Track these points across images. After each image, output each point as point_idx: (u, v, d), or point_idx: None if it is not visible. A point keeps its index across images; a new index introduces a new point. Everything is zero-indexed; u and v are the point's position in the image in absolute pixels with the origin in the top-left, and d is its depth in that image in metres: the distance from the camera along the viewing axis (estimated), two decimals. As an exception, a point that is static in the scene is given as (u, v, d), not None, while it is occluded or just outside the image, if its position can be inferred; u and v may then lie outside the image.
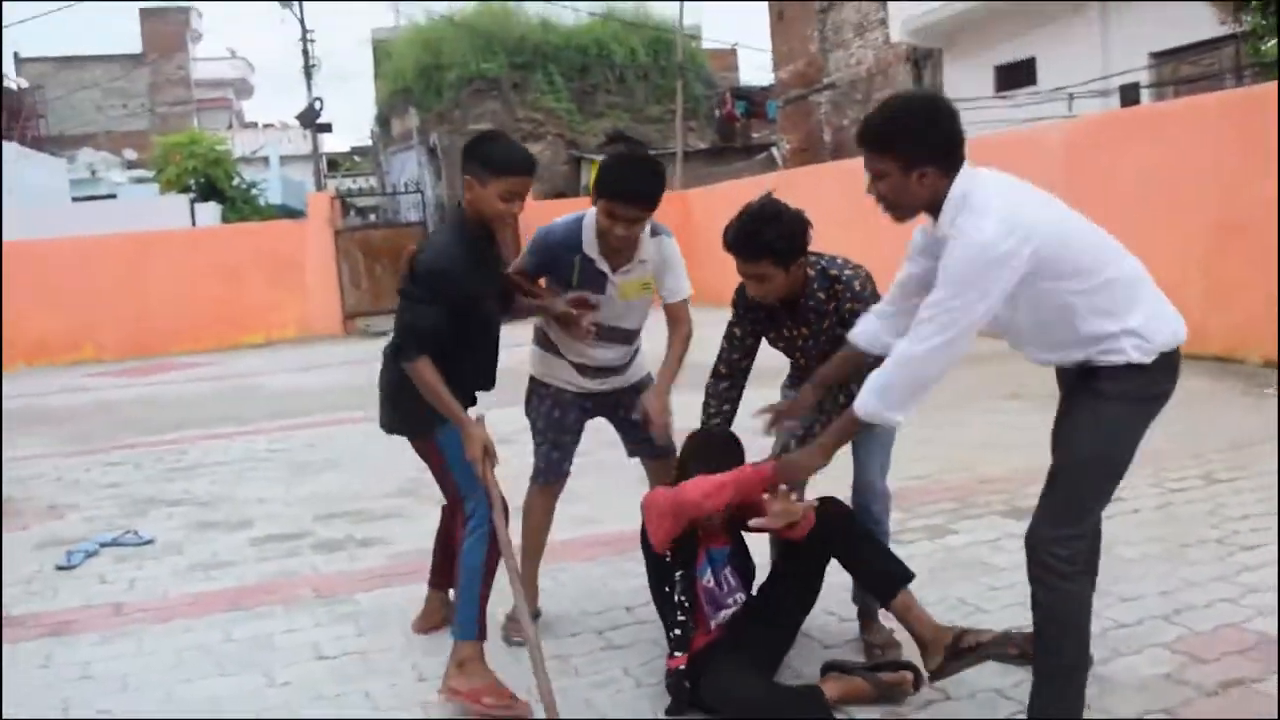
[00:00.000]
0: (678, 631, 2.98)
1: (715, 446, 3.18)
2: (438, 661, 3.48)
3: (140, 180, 29.43)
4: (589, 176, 25.08)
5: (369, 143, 36.25)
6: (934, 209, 2.56)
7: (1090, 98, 12.58)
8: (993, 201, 2.47)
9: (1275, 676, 2.95)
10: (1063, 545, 2.54)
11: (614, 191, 3.27)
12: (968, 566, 4.01)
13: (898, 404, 2.57)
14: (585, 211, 3.49)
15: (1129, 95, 12.46)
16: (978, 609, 3.60)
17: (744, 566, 3.19)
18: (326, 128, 25.86)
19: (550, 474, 3.77)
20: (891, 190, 2.58)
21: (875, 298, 3.17)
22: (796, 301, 3.19)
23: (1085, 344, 2.56)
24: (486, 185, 3.12)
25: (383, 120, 30.50)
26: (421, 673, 3.44)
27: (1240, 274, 7.99)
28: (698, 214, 17.00)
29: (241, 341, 16.64)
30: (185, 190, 25.76)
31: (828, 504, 3.15)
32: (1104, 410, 2.57)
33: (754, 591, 3.20)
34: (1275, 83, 7.98)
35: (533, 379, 3.73)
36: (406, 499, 5.82)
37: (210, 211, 24.14)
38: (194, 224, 22.22)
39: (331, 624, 3.96)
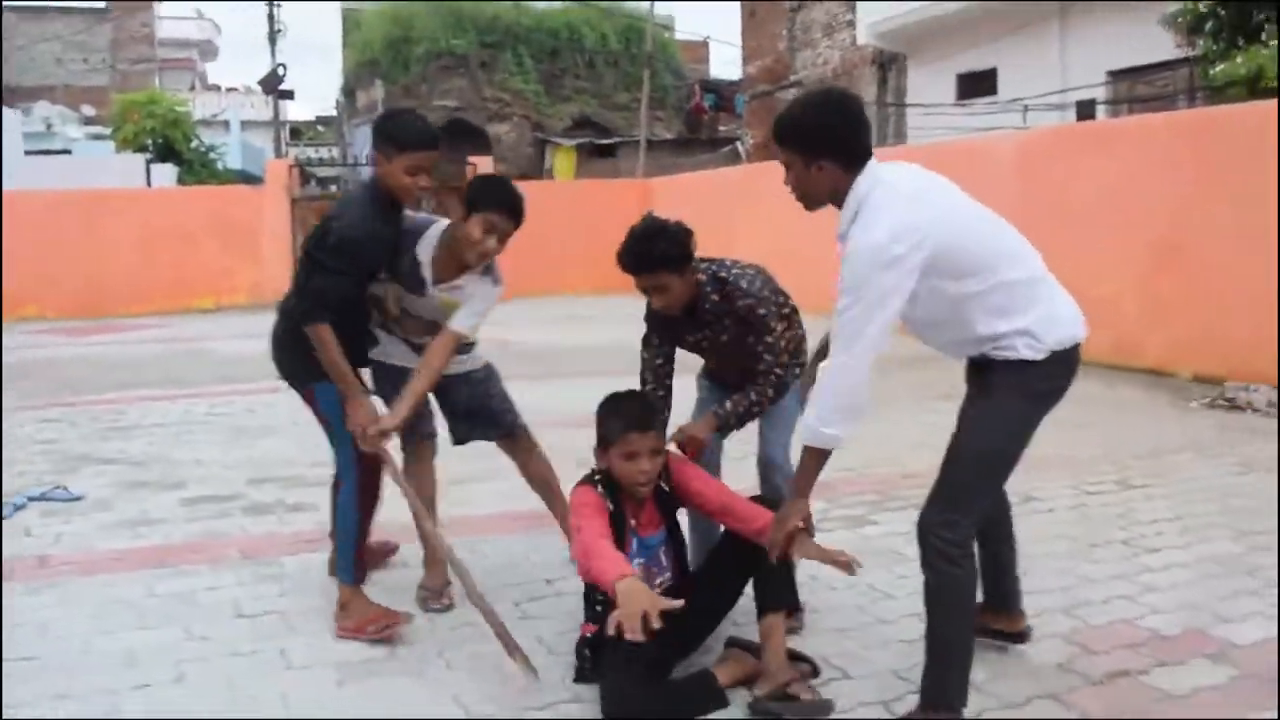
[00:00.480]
0: (599, 608, 3.04)
1: (633, 402, 3.20)
2: (356, 623, 3.55)
3: (97, 137, 28.96)
4: (553, 160, 25.10)
5: (333, 113, 35.97)
6: (839, 202, 2.70)
7: (1047, 110, 12.80)
8: (887, 205, 2.58)
9: (1162, 668, 3.08)
10: (950, 530, 2.65)
11: (497, 202, 3.39)
12: (881, 555, 4.12)
13: (832, 421, 2.68)
14: (443, 222, 3.57)
15: (1085, 110, 12.70)
16: (886, 595, 3.71)
17: (678, 551, 3.24)
18: (289, 94, 25.63)
19: (408, 439, 3.94)
20: (796, 181, 2.74)
21: (774, 292, 3.44)
22: (695, 307, 3.37)
23: (980, 342, 2.69)
24: (392, 160, 3.27)
25: (348, 91, 30.28)
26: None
27: (1177, 292, 8.20)
28: (659, 203, 17.08)
29: (191, 305, 16.49)
30: (142, 150, 25.39)
31: (766, 504, 3.18)
32: (995, 404, 2.70)
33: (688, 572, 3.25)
34: (1223, 107, 8.20)
35: (374, 361, 3.79)
36: (342, 467, 5.85)
37: (166, 173, 23.83)
38: (149, 184, 21.94)
39: (255, 584, 4.00)
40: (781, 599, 3.06)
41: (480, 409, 4.05)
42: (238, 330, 13.61)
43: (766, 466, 3.56)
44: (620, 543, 3.03)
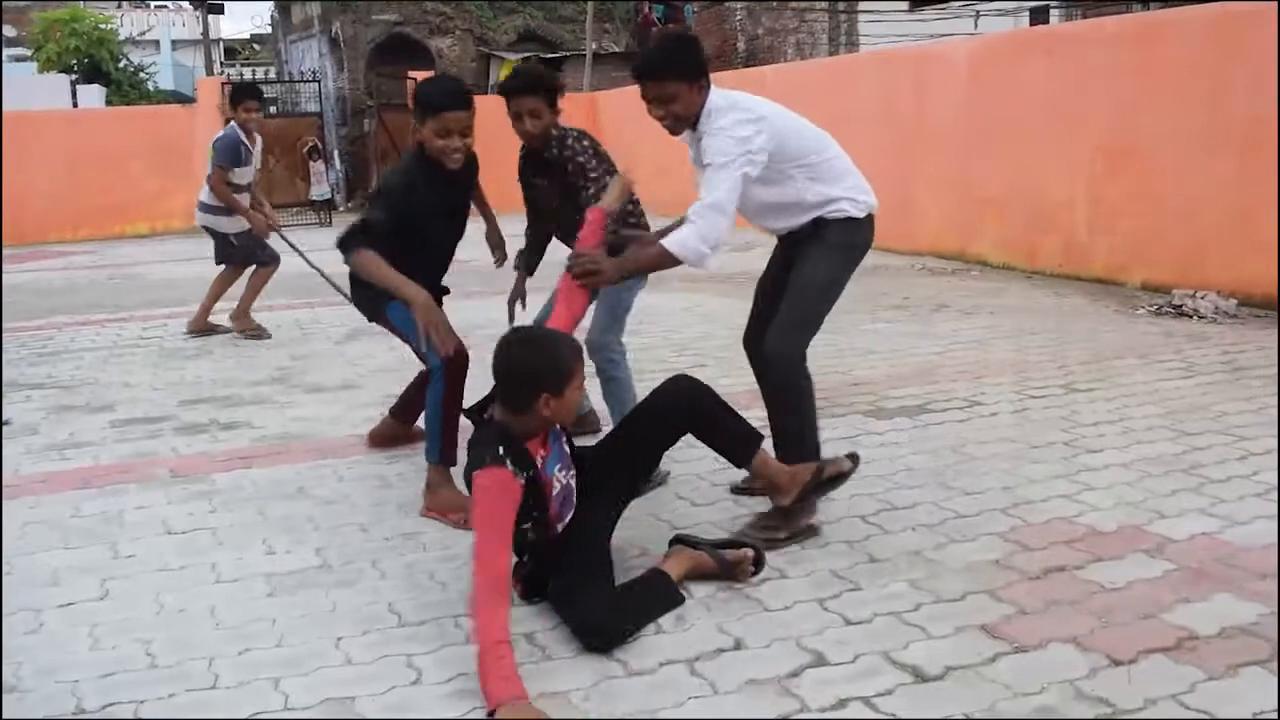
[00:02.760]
0: (525, 554, 2.97)
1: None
2: (289, 539, 3.54)
3: (18, 59, 28.03)
4: (498, 75, 24.63)
5: (268, 30, 34.97)
6: (695, 119, 3.37)
7: (1000, 17, 12.73)
8: (733, 105, 3.35)
9: (1098, 563, 3.14)
10: (798, 350, 3.43)
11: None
12: (823, 460, 4.14)
13: (707, 243, 3.29)
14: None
15: (1039, 16, 12.64)
16: (827, 498, 3.72)
17: (567, 454, 3.07)
18: (218, 8, 24.88)
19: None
20: (684, 106, 3.34)
21: (600, 158, 4.14)
22: (543, 151, 4.12)
23: (817, 207, 3.46)
24: (425, 125, 3.66)
25: (283, 7, 29.41)
26: (271, 546, 3.47)
27: (1127, 199, 8.25)
28: (605, 116, 16.87)
29: (124, 231, 16.13)
30: (67, 70, 24.63)
31: (679, 381, 3.19)
32: (830, 249, 3.48)
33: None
34: (1172, 10, 8.18)
35: None
36: (276, 386, 5.80)
37: (94, 94, 23.14)
38: (75, 106, 21.30)
39: (184, 501, 3.95)
40: (751, 437, 3.21)
41: None
42: (172, 254, 13.35)
43: (588, 341, 4.02)
44: (540, 502, 2.85)
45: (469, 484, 2.74)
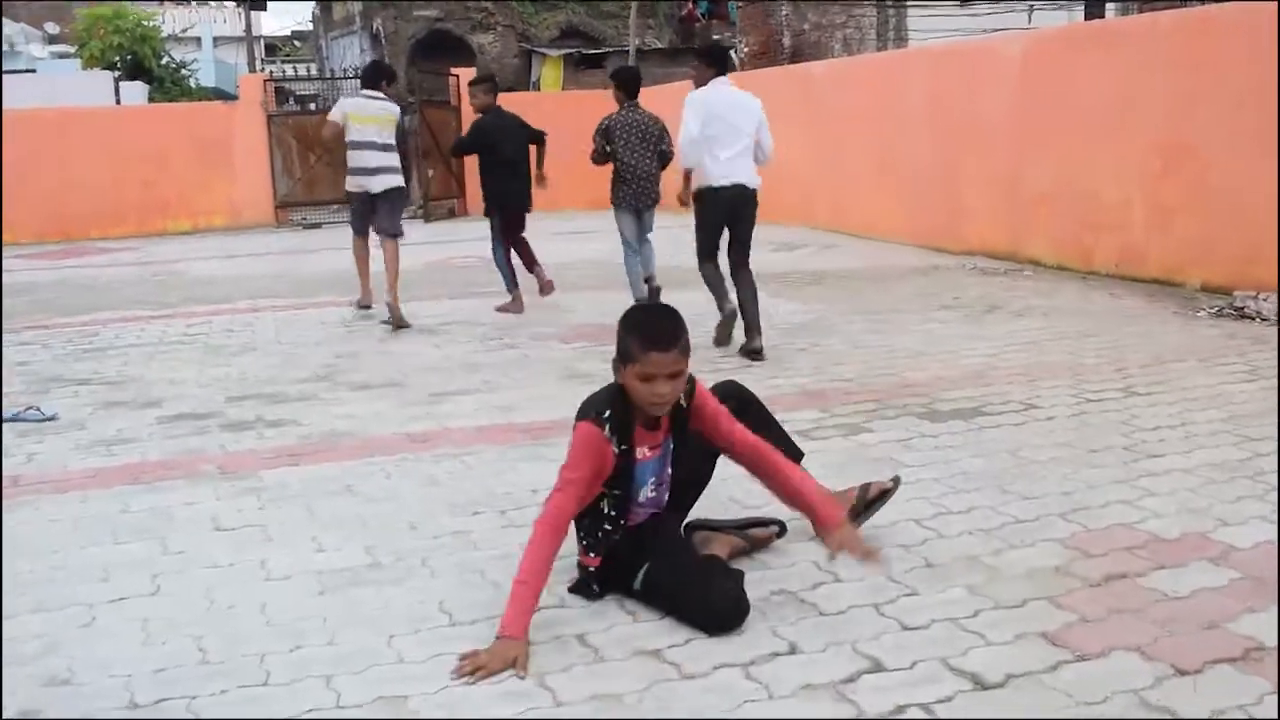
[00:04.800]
0: (600, 536, 3.03)
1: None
2: (338, 535, 3.58)
3: (62, 56, 28.53)
4: (539, 71, 24.72)
5: (309, 28, 35.31)
6: None
7: (1054, 10, 12.60)
8: (693, 99, 6.31)
9: (1161, 571, 3.11)
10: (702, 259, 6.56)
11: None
12: (876, 462, 4.13)
13: (688, 161, 6.29)
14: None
15: (1094, 10, 12.51)
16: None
17: (667, 476, 3.18)
18: (261, 5, 25.15)
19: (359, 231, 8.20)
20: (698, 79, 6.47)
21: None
22: None
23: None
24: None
25: (324, 4, 29.71)
26: (320, 544, 3.51)
27: (1186, 198, 8.14)
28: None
29: (166, 228, 16.38)
30: (110, 67, 25.01)
31: (731, 387, 3.28)
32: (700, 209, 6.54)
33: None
34: (1231, 4, 8.06)
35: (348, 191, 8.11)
36: (321, 384, 5.86)
37: (136, 91, 23.49)
38: (118, 103, 21.63)
39: (233, 498, 4.00)
40: (795, 453, 3.28)
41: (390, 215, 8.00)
42: (214, 251, 13.54)
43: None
44: (625, 481, 2.96)
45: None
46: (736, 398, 3.29)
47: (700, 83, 6.45)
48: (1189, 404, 4.87)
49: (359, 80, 8.90)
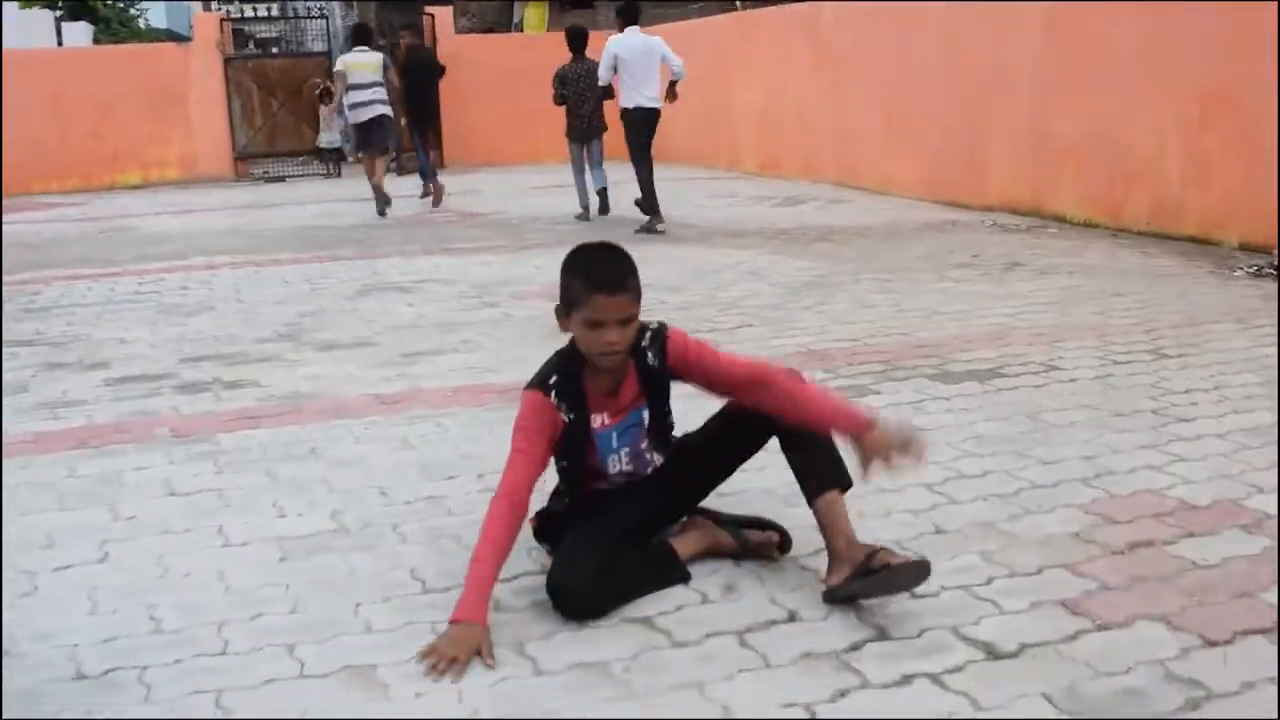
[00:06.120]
0: (553, 502, 3.04)
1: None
2: (301, 501, 3.59)
3: (-2, -8, 28.26)
4: (523, 13, 24.59)
5: (271, -37, 35.00)
6: None
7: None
8: (611, 42, 10.00)
9: (1190, 539, 3.14)
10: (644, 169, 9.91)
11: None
12: (885, 425, 4.15)
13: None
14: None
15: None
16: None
17: (661, 425, 3.09)
18: (219, -61, 24.94)
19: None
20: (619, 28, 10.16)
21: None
22: None
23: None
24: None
25: (287, -64, 29.46)
26: (282, 509, 3.53)
27: (1222, 149, 8.14)
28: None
29: (114, 182, 16.32)
30: (51, 6, 24.81)
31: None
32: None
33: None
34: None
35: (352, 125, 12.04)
36: (285, 344, 5.87)
37: (80, 32, 23.34)
38: (60, 45, 21.47)
39: (187, 462, 4.02)
40: (838, 474, 2.88)
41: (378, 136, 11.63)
42: (167, 206, 13.50)
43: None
44: (581, 452, 2.94)
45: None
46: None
47: (619, 30, 10.23)
48: (1223, 367, 4.89)
49: (350, 41, 13.07)
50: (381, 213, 11.68)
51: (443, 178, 13.25)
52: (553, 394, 2.85)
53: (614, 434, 2.97)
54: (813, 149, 13.69)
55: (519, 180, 15.20)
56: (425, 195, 12.72)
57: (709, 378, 2.99)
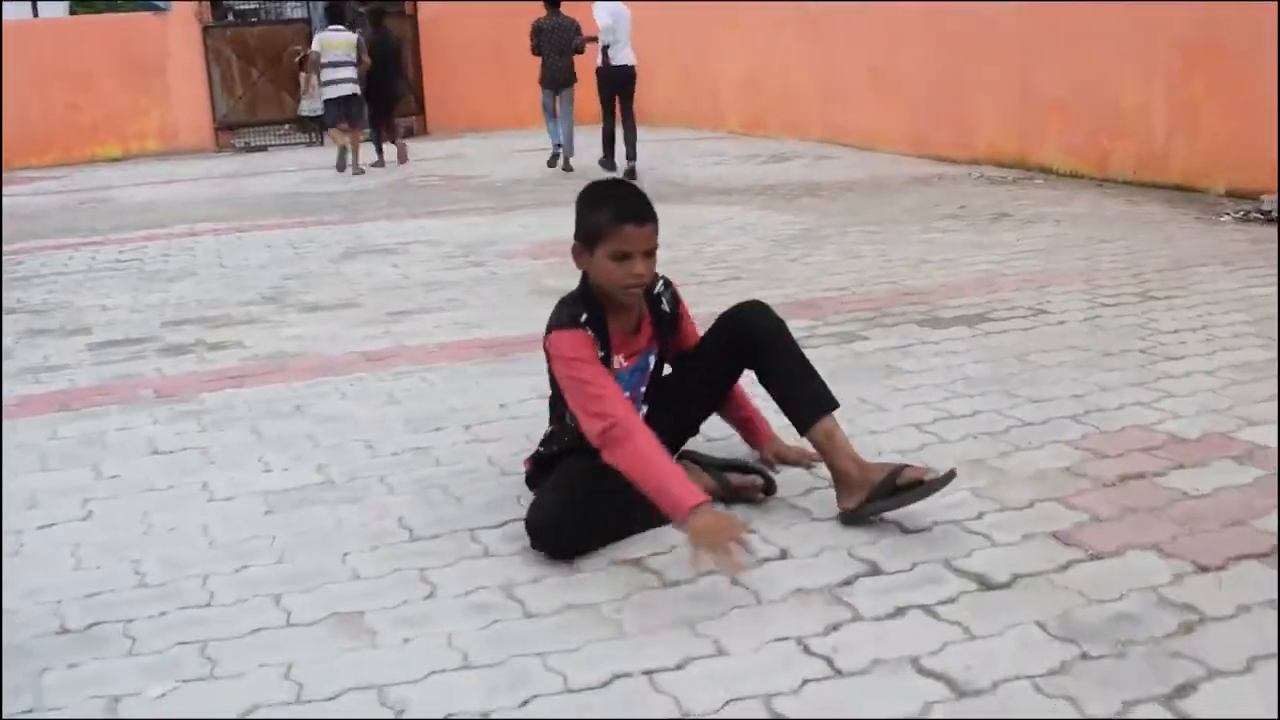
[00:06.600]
0: (553, 445, 3.00)
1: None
2: (286, 456, 3.56)
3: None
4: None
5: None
6: None
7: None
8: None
9: (1181, 470, 3.12)
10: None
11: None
12: (872, 370, 4.13)
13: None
14: None
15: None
16: (878, 407, 3.72)
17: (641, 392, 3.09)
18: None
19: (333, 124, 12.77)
20: None
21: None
22: None
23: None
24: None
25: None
26: (267, 464, 3.49)
27: (1208, 98, 8.09)
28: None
29: (94, 154, 16.14)
30: (26, -22, 24.49)
31: (754, 307, 3.06)
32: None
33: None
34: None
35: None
36: (269, 306, 5.82)
37: (56, 3, 23.05)
38: (35, 16, 21.23)
39: (170, 421, 3.97)
40: (825, 397, 2.93)
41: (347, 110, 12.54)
42: (148, 176, 13.38)
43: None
44: None
45: (546, 346, 2.86)
46: (752, 330, 3.01)
47: None
48: (1211, 307, 4.88)
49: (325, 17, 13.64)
50: (341, 168, 12.56)
51: (427, 144, 14.02)
52: (588, 330, 2.79)
53: (624, 378, 2.94)
54: (798, 107, 13.60)
55: (503, 144, 15.10)
56: (375, 164, 13.17)
57: (683, 338, 3.12)
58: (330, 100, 12.68)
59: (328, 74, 12.38)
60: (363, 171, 12.41)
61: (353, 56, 12.43)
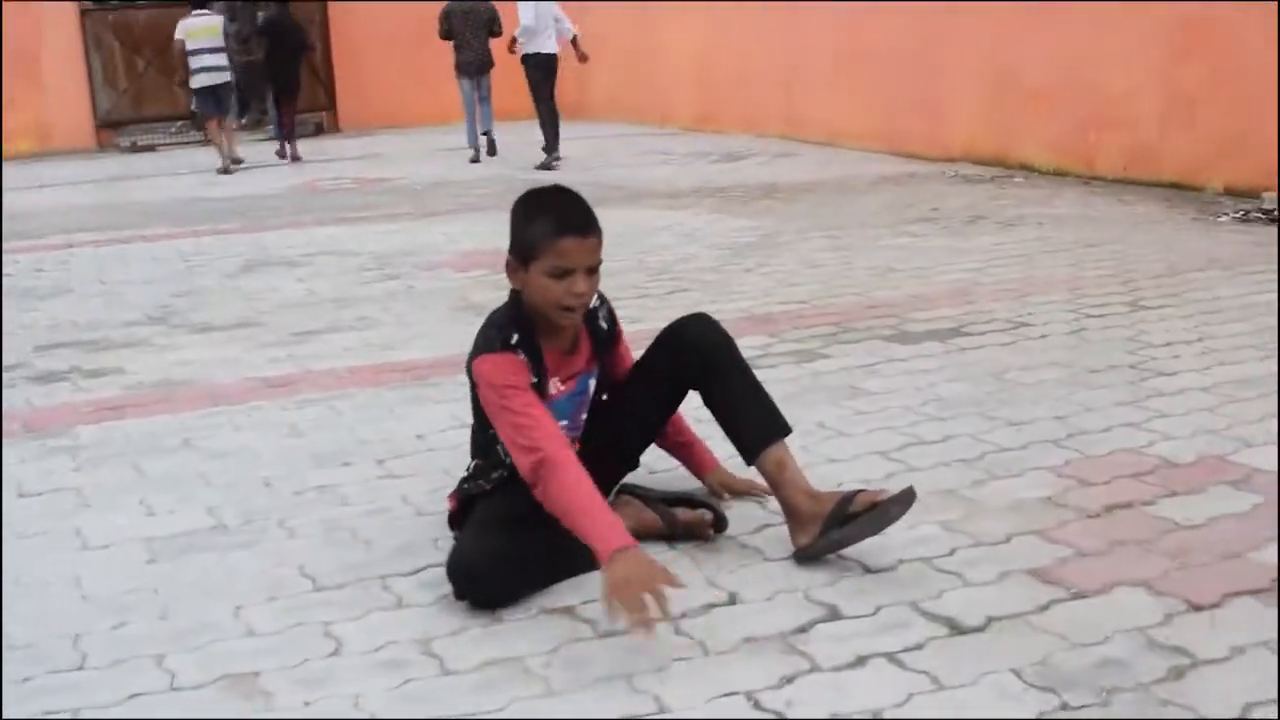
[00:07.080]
0: (485, 477, 3.00)
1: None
2: (172, 497, 3.53)
3: None
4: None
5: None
6: None
7: None
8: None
9: (1173, 498, 3.17)
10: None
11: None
12: (833, 391, 4.17)
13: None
14: None
15: None
16: (839, 432, 3.76)
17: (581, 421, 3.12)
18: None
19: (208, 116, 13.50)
20: None
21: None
22: None
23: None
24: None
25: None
26: (150, 507, 3.45)
27: (1204, 87, 8.25)
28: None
29: (-43, 157, 15.94)
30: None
31: (698, 321, 3.07)
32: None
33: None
34: None
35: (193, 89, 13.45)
36: (154, 327, 5.79)
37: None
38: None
39: (40, 459, 3.92)
40: (776, 423, 2.95)
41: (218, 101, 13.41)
42: (17, 181, 13.21)
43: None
44: None
45: (470, 370, 2.86)
46: (696, 348, 3.01)
47: None
48: (1208, 316, 4.97)
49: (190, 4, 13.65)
50: (226, 170, 13.11)
51: (338, 141, 14.20)
52: (520, 353, 2.78)
53: (562, 405, 2.94)
54: (754, 99, 13.71)
55: (424, 142, 15.11)
56: (282, 158, 14.19)
57: (617, 360, 3.13)
58: (199, 90, 13.17)
59: (194, 62, 12.95)
60: (232, 169, 13.11)
61: (220, 41, 13.16)
